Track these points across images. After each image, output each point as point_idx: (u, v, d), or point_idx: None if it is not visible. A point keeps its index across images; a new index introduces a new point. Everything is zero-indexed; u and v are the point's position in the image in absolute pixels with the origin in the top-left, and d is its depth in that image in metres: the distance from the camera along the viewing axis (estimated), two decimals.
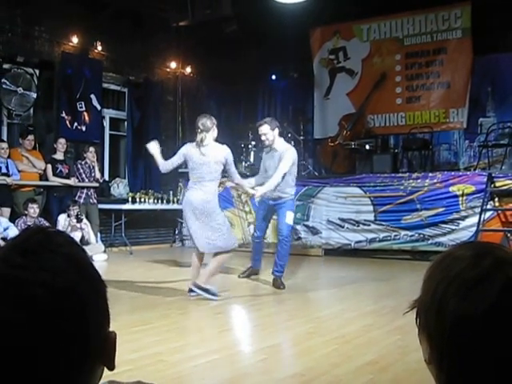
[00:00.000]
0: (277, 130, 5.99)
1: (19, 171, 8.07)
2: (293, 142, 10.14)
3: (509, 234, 7.65)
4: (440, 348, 0.79)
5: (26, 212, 7.59)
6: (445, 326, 0.77)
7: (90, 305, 0.70)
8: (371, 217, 8.59)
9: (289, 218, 5.95)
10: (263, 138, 6.01)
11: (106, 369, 0.74)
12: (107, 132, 10.40)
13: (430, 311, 0.80)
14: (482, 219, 7.65)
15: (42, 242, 0.71)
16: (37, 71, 8.96)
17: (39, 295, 0.66)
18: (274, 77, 11.67)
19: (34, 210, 7.60)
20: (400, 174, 8.68)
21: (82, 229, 8.13)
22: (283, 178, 5.81)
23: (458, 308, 0.76)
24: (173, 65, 11.07)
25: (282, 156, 5.88)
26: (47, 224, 7.25)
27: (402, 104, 10.18)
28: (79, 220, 8.10)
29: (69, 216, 8.11)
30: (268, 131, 5.94)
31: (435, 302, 0.80)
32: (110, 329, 0.75)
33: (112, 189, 9.88)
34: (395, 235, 8.39)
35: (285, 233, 5.97)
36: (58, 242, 0.72)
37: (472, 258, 0.80)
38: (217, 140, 5.34)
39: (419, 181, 8.28)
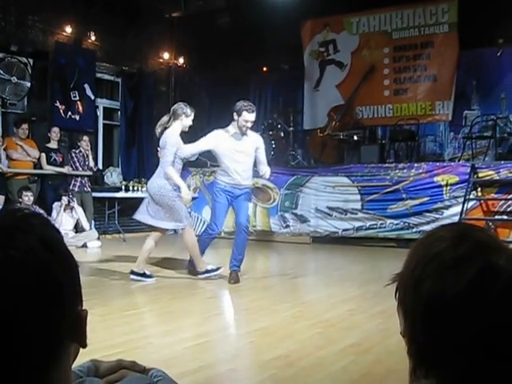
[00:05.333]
0: None
1: (13, 159, 8.19)
2: (282, 133, 10.32)
3: (490, 223, 7.84)
4: (413, 324, 0.81)
5: (21, 200, 7.70)
6: (420, 303, 0.78)
7: (62, 283, 0.70)
8: (358, 206, 8.78)
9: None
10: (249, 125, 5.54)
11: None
12: (101, 121, 10.49)
13: (408, 287, 0.81)
14: (465, 208, 7.84)
15: (16, 222, 0.71)
16: (31, 61, 9.00)
17: (8, 273, 0.65)
18: (265, 68, 11.77)
19: (28, 197, 7.71)
20: (387, 165, 8.84)
21: (73, 215, 8.33)
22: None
23: (433, 287, 0.77)
24: (166, 55, 11.13)
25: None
26: (41, 211, 7.41)
27: (390, 96, 10.34)
28: (70, 207, 8.29)
29: (61, 206, 8.28)
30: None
31: (413, 279, 0.80)
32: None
33: (106, 177, 10.02)
34: (381, 223, 8.58)
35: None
36: (32, 222, 0.72)
37: (453, 239, 0.80)
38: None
39: (405, 171, 8.45)
